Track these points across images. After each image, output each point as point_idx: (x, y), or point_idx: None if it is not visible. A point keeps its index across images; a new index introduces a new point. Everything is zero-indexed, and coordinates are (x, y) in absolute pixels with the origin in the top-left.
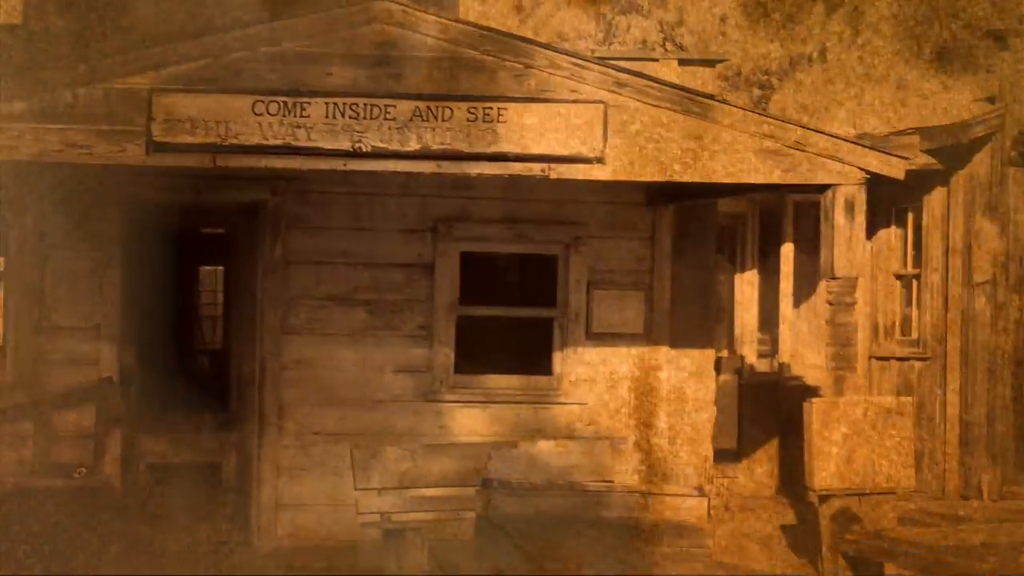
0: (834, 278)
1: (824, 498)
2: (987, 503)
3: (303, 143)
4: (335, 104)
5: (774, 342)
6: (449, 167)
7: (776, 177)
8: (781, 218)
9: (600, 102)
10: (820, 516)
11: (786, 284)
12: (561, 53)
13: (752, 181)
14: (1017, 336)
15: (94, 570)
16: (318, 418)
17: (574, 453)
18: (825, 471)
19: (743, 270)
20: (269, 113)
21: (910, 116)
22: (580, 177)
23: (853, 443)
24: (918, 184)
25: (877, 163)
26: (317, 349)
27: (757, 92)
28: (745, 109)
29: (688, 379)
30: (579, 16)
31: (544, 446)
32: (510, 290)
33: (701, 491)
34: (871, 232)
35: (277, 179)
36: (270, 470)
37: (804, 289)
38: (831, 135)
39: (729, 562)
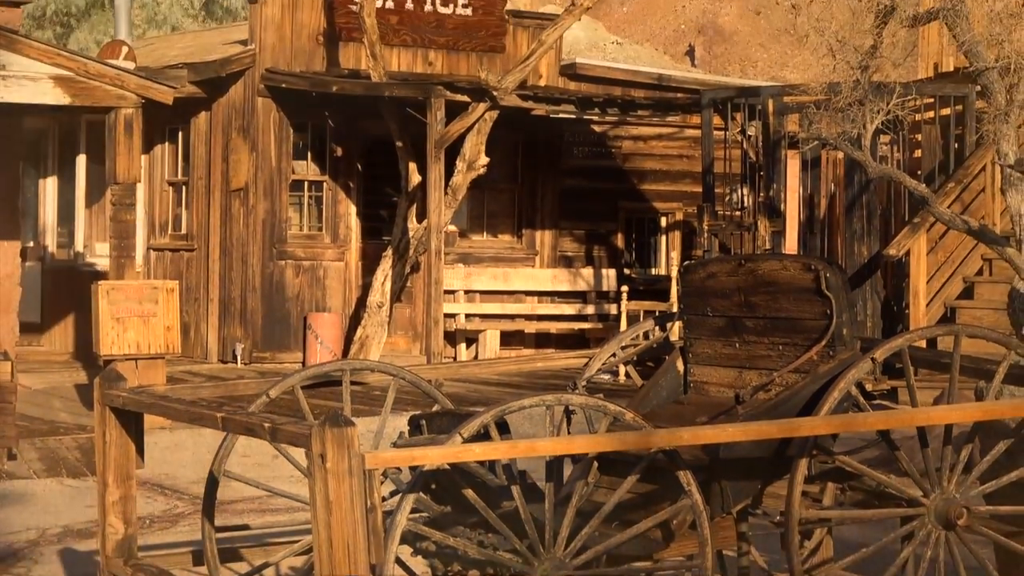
0: (116, 183)
1: (108, 362)
2: (240, 366)
3: None
4: None
5: (71, 235)
6: None
7: (69, 100)
8: (77, 133)
9: None
10: None
11: (80, 188)
12: None
13: (51, 103)
14: (263, 232)
15: None
16: None
17: None
18: (107, 339)
19: (46, 176)
20: None
21: (179, 53)
22: None
23: (143, 317)
24: (187, 108)
25: (150, 91)
26: None
27: (60, 30)
28: (46, 44)
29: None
30: None
31: None
32: None
33: (6, 355)
34: (148, 146)
35: None
36: None
37: (96, 192)
38: (116, 68)
39: (32, 415)
